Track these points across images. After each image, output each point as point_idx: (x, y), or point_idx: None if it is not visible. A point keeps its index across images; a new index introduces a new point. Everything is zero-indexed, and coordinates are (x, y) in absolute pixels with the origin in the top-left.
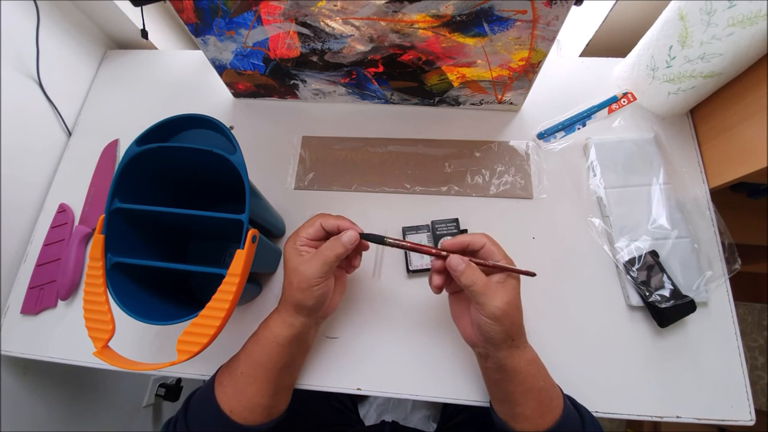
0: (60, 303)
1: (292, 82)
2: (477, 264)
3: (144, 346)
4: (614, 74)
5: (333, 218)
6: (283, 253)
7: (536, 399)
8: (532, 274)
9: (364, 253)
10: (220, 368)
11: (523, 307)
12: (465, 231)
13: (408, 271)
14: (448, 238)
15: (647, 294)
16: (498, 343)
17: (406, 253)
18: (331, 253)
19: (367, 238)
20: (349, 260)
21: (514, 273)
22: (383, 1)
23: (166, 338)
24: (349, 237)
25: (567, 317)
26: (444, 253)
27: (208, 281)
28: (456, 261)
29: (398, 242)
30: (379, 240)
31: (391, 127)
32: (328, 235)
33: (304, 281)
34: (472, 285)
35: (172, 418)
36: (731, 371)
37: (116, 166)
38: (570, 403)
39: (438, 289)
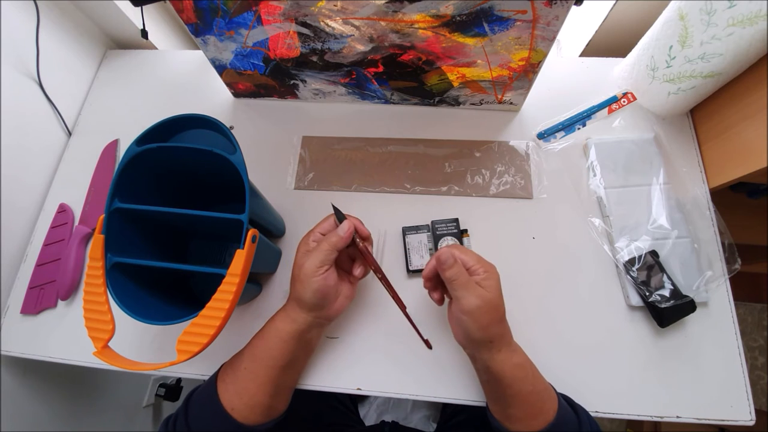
0: (60, 303)
1: (292, 82)
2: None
3: (144, 346)
4: (614, 74)
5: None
6: (296, 251)
7: (526, 402)
8: (429, 347)
9: None
10: (222, 366)
11: (522, 307)
12: (465, 231)
13: (408, 270)
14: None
15: (647, 294)
16: (478, 343)
17: (406, 253)
18: (327, 244)
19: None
20: (351, 265)
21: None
22: (383, 1)
23: (166, 338)
24: (343, 227)
25: (567, 317)
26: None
27: (208, 281)
28: (446, 255)
29: (365, 253)
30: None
31: (391, 127)
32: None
33: (303, 273)
34: (456, 279)
35: (171, 415)
36: (731, 371)
37: (116, 166)
38: (566, 403)
39: (438, 302)
